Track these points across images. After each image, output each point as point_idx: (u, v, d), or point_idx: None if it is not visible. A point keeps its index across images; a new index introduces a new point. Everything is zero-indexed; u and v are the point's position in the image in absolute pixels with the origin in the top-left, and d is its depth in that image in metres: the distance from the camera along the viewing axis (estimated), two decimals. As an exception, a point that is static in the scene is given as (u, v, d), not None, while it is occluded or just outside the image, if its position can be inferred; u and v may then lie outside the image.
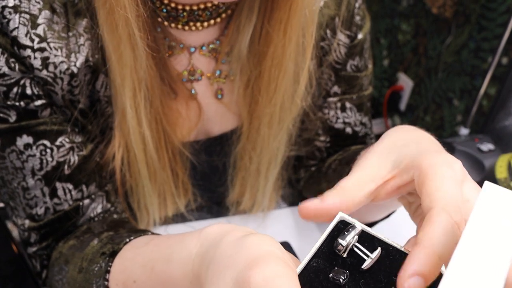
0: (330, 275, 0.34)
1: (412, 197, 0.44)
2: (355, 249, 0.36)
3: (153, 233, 0.55)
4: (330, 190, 0.41)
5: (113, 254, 0.52)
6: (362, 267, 0.35)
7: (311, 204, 0.40)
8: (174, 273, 0.43)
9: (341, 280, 0.34)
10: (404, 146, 0.43)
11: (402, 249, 0.36)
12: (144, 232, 0.56)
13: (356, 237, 0.36)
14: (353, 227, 0.37)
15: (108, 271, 0.51)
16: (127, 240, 0.53)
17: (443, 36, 1.80)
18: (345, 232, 0.36)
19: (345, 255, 0.36)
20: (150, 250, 0.48)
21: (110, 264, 0.51)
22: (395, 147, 0.44)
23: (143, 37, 0.51)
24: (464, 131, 1.63)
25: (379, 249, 0.36)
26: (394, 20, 2.05)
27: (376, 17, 2.10)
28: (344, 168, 0.67)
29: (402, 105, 2.08)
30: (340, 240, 0.36)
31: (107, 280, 0.51)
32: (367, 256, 0.35)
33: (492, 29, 1.59)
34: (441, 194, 0.35)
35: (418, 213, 0.45)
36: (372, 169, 0.42)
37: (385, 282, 0.35)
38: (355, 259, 0.36)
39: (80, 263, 0.55)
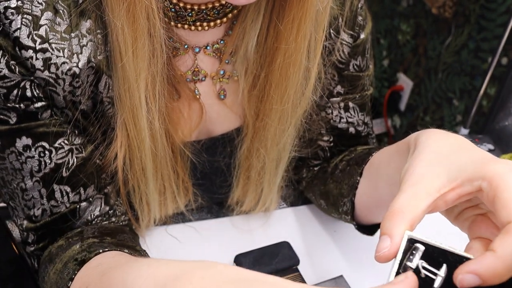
0: None
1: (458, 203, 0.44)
2: (423, 270, 0.36)
3: (131, 253, 0.56)
4: (388, 217, 0.40)
5: (82, 263, 0.53)
6: (435, 286, 0.35)
7: (385, 251, 0.39)
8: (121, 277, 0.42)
9: None
10: (452, 154, 0.43)
11: (471, 257, 0.37)
12: (128, 248, 0.57)
13: (420, 255, 0.36)
14: (416, 248, 0.37)
15: (71, 279, 0.52)
16: (101, 251, 0.54)
17: (443, 36, 1.81)
18: (411, 256, 0.36)
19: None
20: (114, 263, 0.48)
21: (76, 272, 0.52)
22: (442, 156, 0.43)
23: (163, 29, 0.52)
24: (464, 131, 1.63)
25: (444, 266, 0.36)
26: (394, 20, 2.05)
27: (376, 18, 2.10)
28: (354, 169, 0.67)
29: (402, 105, 2.08)
30: (408, 264, 0.36)
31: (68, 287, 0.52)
32: (435, 274, 0.36)
33: (492, 30, 1.59)
34: None
35: (464, 217, 0.45)
36: (425, 182, 0.42)
37: None
38: (427, 278, 0.36)
39: (58, 264, 0.56)
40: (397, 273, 0.36)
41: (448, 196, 0.41)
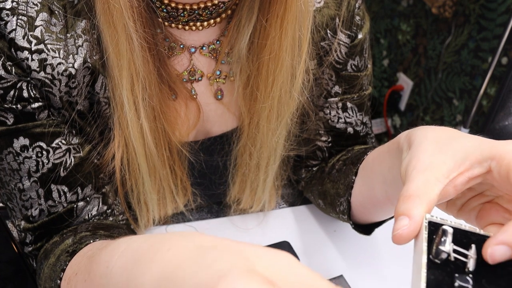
0: (456, 284, 0.33)
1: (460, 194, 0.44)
2: (453, 253, 0.35)
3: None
4: (403, 199, 0.39)
5: (73, 253, 0.53)
6: (469, 268, 0.34)
7: (404, 229, 0.38)
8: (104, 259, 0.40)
9: (470, 286, 0.33)
10: (453, 141, 0.43)
11: None
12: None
13: (451, 238, 0.35)
14: (445, 231, 0.35)
15: (63, 270, 0.52)
16: (91, 241, 0.53)
17: (443, 36, 1.81)
18: (442, 239, 0.35)
19: (451, 259, 0.35)
20: (101, 246, 0.47)
21: (67, 263, 0.52)
22: (443, 144, 0.43)
23: (138, 28, 0.51)
24: (464, 131, 1.63)
25: (473, 247, 0.35)
26: (394, 20, 2.05)
27: (376, 17, 2.10)
28: (350, 168, 0.67)
29: (402, 105, 2.08)
30: (442, 248, 0.35)
31: (60, 279, 0.51)
32: (466, 256, 0.35)
33: (492, 29, 1.59)
34: None
35: (469, 207, 0.45)
36: (432, 169, 0.41)
37: (503, 272, 0.34)
38: (458, 261, 0.35)
39: (51, 259, 0.56)
40: (428, 260, 0.35)
41: (457, 180, 0.41)
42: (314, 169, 0.77)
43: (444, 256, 0.35)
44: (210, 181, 0.72)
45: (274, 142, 0.65)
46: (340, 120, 0.72)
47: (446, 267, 0.34)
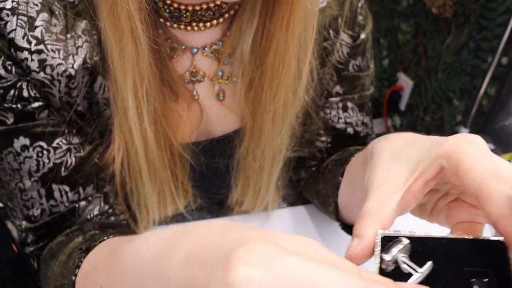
0: None
1: (425, 197, 0.44)
2: (403, 264, 0.34)
3: None
4: (357, 220, 0.40)
5: (87, 250, 0.52)
6: (409, 281, 0.34)
7: (352, 249, 0.38)
8: (127, 251, 0.41)
9: None
10: (407, 148, 0.43)
11: (463, 236, 0.36)
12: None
13: (401, 248, 0.35)
14: (396, 241, 0.35)
15: (78, 266, 0.51)
16: (105, 238, 0.53)
17: (443, 36, 1.81)
18: (388, 248, 0.35)
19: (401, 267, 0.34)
20: (123, 240, 0.48)
21: (82, 259, 0.52)
22: (397, 154, 0.43)
23: (145, 30, 0.51)
24: (464, 131, 1.63)
25: (429, 263, 0.34)
26: (394, 20, 2.05)
27: (376, 17, 2.10)
28: (338, 169, 0.67)
29: (402, 105, 2.08)
30: (384, 256, 0.34)
31: (75, 275, 0.51)
32: (415, 271, 0.34)
33: (492, 29, 1.59)
34: (482, 168, 0.36)
35: (438, 208, 0.45)
36: (387, 184, 0.41)
37: (460, 276, 0.34)
38: (409, 273, 0.34)
39: (61, 256, 0.55)
40: (380, 271, 0.35)
41: (414, 187, 0.41)
42: (313, 169, 0.77)
43: (388, 264, 0.35)
44: (211, 184, 0.72)
45: (279, 143, 0.65)
46: (340, 120, 0.72)
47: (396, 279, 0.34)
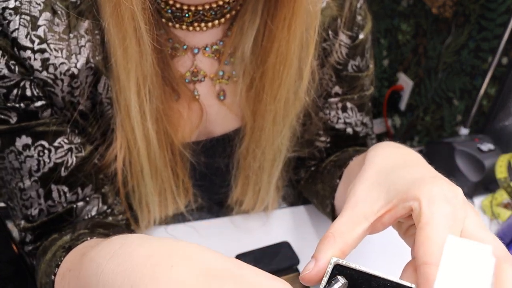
0: None
1: (403, 219, 0.44)
2: None
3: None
4: (321, 240, 0.40)
5: (69, 250, 0.52)
6: None
7: (306, 273, 0.38)
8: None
9: None
10: (393, 173, 0.43)
11: (386, 277, 0.36)
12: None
13: (341, 286, 0.36)
14: (336, 279, 0.36)
15: (58, 265, 0.51)
16: (88, 239, 0.53)
17: (443, 36, 1.80)
18: (330, 285, 0.36)
19: None
20: (94, 244, 0.47)
21: (62, 259, 0.51)
22: (384, 176, 0.43)
23: (148, 30, 0.51)
24: (464, 131, 1.63)
25: None
26: (394, 20, 2.05)
27: (376, 17, 2.10)
28: (336, 170, 0.67)
29: (402, 105, 2.08)
30: None
31: (55, 275, 0.51)
32: None
33: (492, 29, 1.59)
34: (437, 240, 0.35)
35: (410, 233, 0.45)
36: (363, 205, 0.41)
37: None
38: None
39: (48, 255, 0.55)
40: None
41: (384, 218, 0.41)
42: (312, 169, 0.77)
43: None
44: (211, 183, 0.72)
45: (279, 144, 0.65)
46: (339, 121, 0.72)
47: None
